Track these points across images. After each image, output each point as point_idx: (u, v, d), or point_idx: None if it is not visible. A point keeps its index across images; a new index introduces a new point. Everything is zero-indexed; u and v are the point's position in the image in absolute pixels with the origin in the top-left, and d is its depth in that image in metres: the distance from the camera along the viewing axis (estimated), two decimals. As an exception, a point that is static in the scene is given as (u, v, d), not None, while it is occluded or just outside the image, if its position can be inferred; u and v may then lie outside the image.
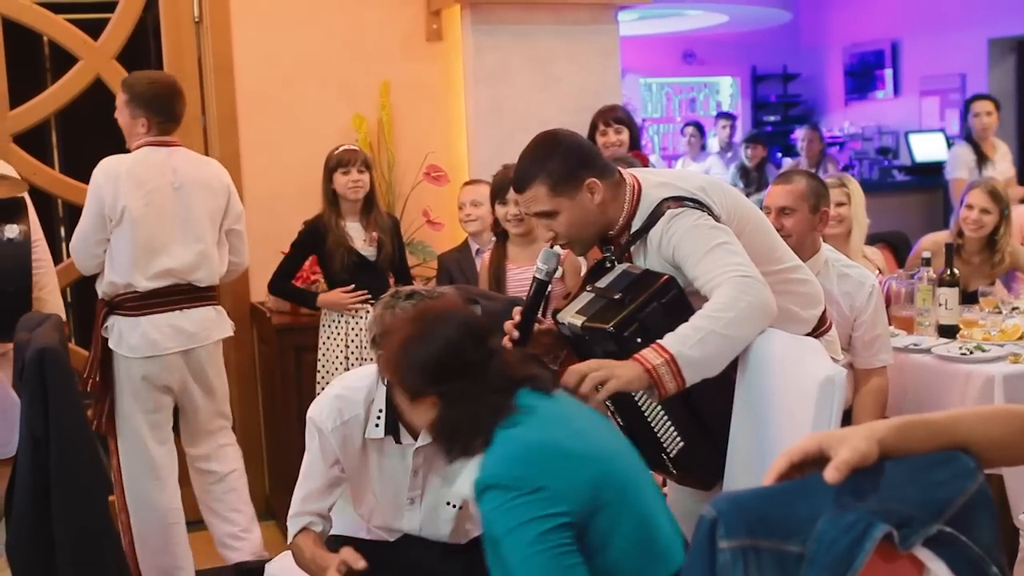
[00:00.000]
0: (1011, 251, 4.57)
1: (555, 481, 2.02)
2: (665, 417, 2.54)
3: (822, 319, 2.88)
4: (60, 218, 6.49)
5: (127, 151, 3.92)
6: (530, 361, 2.27)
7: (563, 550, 2.02)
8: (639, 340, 2.41)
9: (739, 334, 2.37)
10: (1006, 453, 1.48)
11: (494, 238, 4.07)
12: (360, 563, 2.50)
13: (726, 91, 11.56)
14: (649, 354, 2.33)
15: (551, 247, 2.68)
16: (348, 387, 2.67)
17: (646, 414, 2.55)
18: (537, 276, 2.62)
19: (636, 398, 2.53)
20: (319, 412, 2.65)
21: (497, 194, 3.95)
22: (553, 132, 2.70)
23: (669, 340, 2.35)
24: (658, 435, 2.56)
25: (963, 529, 1.37)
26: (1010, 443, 1.47)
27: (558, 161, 2.57)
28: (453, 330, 2.18)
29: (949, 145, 9.12)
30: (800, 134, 9.12)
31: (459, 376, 2.15)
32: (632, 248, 2.62)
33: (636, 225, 2.61)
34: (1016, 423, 1.48)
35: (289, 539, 2.73)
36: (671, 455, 2.57)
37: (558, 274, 3.50)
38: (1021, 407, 1.51)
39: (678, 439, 2.54)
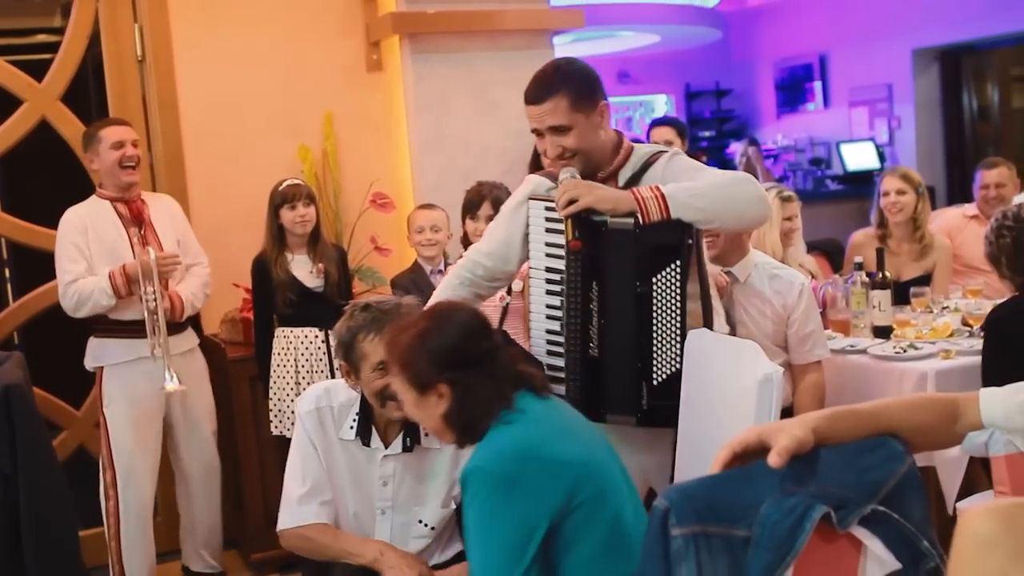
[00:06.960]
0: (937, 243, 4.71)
1: (534, 482, 2.13)
2: (677, 334, 2.62)
3: None
4: (5, 260, 6.45)
5: (74, 192, 3.99)
6: (526, 357, 2.39)
7: (522, 553, 2.12)
8: (690, 241, 2.60)
9: (730, 206, 2.61)
10: (930, 437, 1.59)
11: (463, 252, 4.12)
12: None
13: (661, 109, 11.71)
14: (644, 190, 2.59)
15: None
16: (335, 384, 2.83)
17: (655, 328, 2.64)
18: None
19: (653, 306, 2.63)
20: (301, 398, 2.82)
21: (469, 209, 4.05)
22: (569, 59, 2.85)
23: (667, 187, 2.60)
24: (655, 355, 2.64)
25: (895, 508, 1.48)
26: (933, 428, 1.58)
27: (582, 79, 2.72)
28: (466, 320, 2.31)
29: (879, 153, 9.36)
30: (738, 148, 9.26)
31: (473, 363, 2.26)
32: None
33: (625, 176, 2.76)
34: (938, 409, 1.59)
35: (284, 526, 2.75)
36: (656, 382, 2.64)
37: (518, 287, 3.57)
38: (942, 395, 1.63)
39: (677, 361, 2.62)
